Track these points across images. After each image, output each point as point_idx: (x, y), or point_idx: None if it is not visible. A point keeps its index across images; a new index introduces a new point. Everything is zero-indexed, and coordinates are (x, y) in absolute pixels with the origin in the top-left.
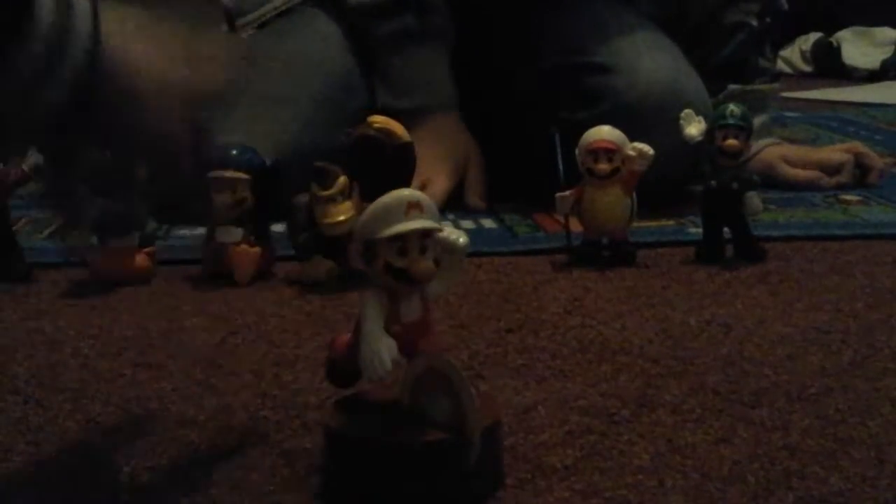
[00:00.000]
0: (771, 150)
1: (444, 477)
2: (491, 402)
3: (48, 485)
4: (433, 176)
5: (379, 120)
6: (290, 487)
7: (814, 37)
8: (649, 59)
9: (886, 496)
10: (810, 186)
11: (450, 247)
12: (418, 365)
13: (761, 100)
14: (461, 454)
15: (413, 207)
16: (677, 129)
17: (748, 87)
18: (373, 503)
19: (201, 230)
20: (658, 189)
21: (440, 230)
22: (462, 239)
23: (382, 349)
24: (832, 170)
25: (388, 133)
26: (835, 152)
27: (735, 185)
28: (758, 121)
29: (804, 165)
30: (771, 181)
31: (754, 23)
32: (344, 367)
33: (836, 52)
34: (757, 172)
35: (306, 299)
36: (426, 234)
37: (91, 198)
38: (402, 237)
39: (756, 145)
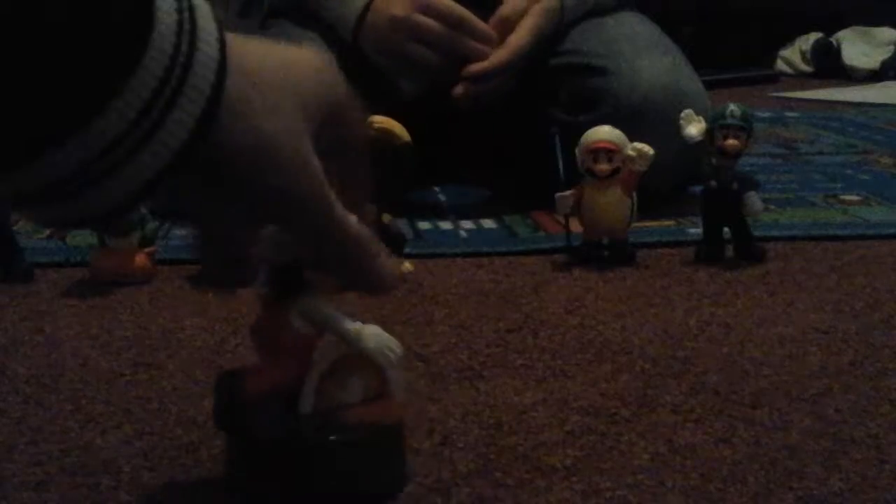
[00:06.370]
0: None
1: (340, 475)
2: (391, 404)
3: (48, 485)
4: None
5: (379, 120)
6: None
7: (814, 37)
8: (649, 61)
9: (886, 496)
10: None
11: None
12: (323, 362)
13: None
14: (357, 452)
15: None
16: (678, 132)
17: None
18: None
19: None
20: (658, 190)
21: None
22: None
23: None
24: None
25: (388, 133)
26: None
27: (735, 185)
28: None
29: None
30: None
31: None
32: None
33: (836, 52)
34: None
35: None
36: None
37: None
38: None
39: None
